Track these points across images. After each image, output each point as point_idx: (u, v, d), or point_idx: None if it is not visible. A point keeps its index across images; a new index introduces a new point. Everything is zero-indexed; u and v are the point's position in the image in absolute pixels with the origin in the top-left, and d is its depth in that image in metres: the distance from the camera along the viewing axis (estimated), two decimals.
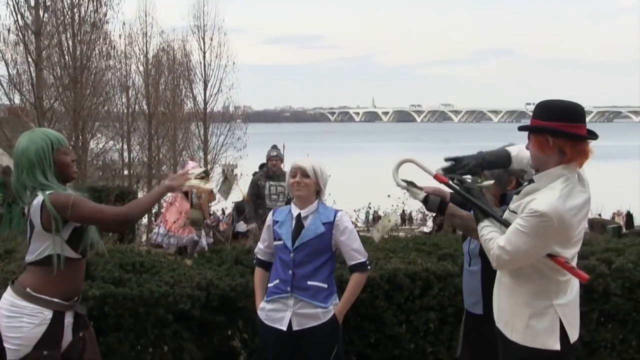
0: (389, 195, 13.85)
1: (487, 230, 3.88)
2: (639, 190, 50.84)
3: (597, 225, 40.91)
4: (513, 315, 3.92)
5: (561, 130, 3.70)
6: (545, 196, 3.68)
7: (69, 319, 4.14)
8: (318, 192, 4.86)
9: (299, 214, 4.83)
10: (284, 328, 4.73)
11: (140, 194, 31.74)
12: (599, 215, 45.53)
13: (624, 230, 33.13)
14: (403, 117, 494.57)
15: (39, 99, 22.43)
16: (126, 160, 35.81)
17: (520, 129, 3.89)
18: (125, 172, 35.13)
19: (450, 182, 4.02)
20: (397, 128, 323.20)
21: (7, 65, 23.17)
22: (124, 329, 5.02)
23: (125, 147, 35.79)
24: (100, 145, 30.15)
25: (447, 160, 4.10)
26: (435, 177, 4.04)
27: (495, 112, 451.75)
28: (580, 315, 5.85)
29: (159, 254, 6.46)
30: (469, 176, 4.15)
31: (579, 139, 3.74)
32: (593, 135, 3.80)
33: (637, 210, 45.14)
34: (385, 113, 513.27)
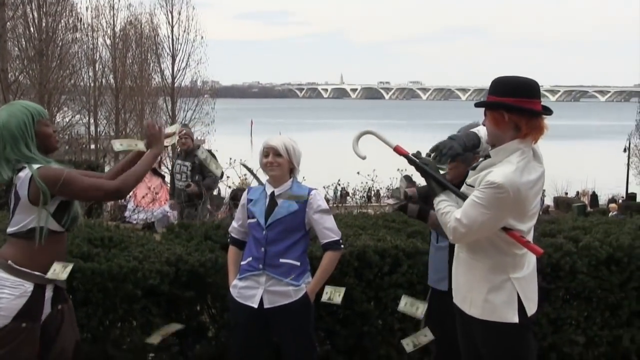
0: (358, 172, 13.92)
1: (444, 205, 3.93)
2: (604, 169, 51.49)
3: (562, 203, 41.53)
4: (471, 290, 3.99)
5: (516, 105, 3.76)
6: (501, 169, 3.74)
7: (49, 292, 4.16)
8: (292, 170, 4.85)
9: (273, 192, 4.82)
10: (255, 305, 4.74)
11: (107, 168, 31.56)
12: (566, 193, 46.18)
13: (588, 208, 33.64)
14: (371, 94, 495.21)
15: (3, 71, 22.13)
16: (93, 134, 35.47)
17: (477, 105, 3.96)
18: (92, 147, 34.78)
19: (410, 156, 4.06)
20: (366, 105, 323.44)
21: None
22: (92, 304, 4.99)
23: (92, 121, 35.45)
24: (67, 119, 29.85)
25: (431, 151, 4.07)
26: (395, 149, 4.11)
27: (464, 90, 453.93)
28: (546, 292, 5.94)
29: (127, 228, 6.41)
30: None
31: (533, 114, 3.80)
32: (547, 111, 3.86)
33: (602, 188, 45.76)
34: (354, 90, 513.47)
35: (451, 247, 4.68)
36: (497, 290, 3.90)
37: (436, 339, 5.04)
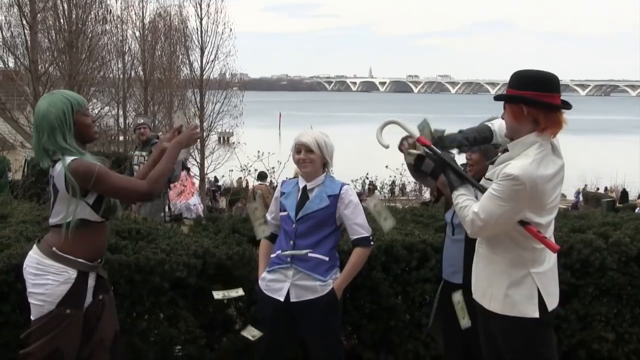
0: (386, 166, 13.88)
1: (462, 199, 3.92)
2: (635, 165, 50.91)
3: (591, 199, 41.14)
4: (491, 285, 3.97)
5: (535, 99, 3.74)
6: (518, 162, 3.73)
7: (91, 281, 4.24)
8: (325, 165, 4.84)
9: (305, 186, 4.81)
10: (282, 299, 4.73)
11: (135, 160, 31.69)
12: (597, 189, 45.75)
13: (617, 204, 33.33)
14: (400, 87, 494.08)
15: (33, 62, 22.22)
16: (122, 126, 35.64)
17: (496, 98, 3.94)
18: (121, 138, 34.96)
19: (433, 147, 4.07)
20: (394, 98, 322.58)
21: (0, 28, 22.96)
22: (119, 296, 5.00)
23: (121, 113, 35.62)
24: (96, 111, 29.97)
25: (434, 143, 4.13)
26: (418, 140, 4.10)
27: (493, 84, 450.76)
28: (575, 289, 5.88)
29: (155, 221, 6.43)
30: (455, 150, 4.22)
31: (552, 108, 3.77)
32: (567, 105, 3.83)
33: (633, 184, 45.29)
34: (382, 83, 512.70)
35: (467, 240, 4.65)
36: (517, 285, 3.88)
37: (445, 332, 5.03)
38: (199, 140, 4.14)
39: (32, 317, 4.19)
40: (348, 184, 4.90)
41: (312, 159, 4.75)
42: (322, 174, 4.81)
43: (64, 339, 4.12)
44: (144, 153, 10.08)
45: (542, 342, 3.94)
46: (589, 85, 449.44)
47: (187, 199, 13.06)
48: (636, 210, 25.38)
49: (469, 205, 3.86)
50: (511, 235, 3.86)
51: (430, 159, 4.15)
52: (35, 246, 4.23)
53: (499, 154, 4.02)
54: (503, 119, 3.96)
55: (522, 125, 3.79)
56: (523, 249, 3.87)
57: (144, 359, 5.08)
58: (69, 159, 4.05)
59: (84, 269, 4.16)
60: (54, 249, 4.12)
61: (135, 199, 4.26)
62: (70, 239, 4.08)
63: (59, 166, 4.07)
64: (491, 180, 3.86)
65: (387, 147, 4.26)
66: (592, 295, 6.14)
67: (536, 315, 3.87)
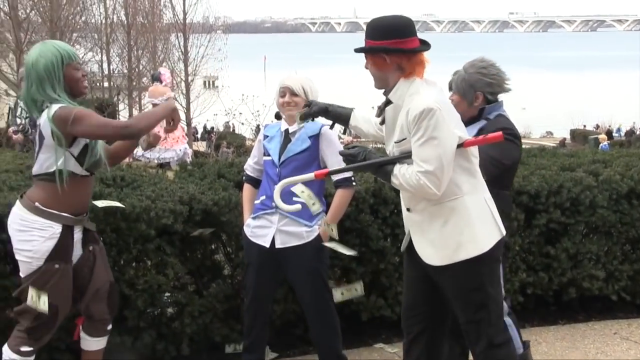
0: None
1: (397, 169, 3.75)
2: (623, 101, 50.97)
3: (578, 136, 41.24)
4: (462, 232, 3.80)
5: (394, 47, 3.74)
6: (415, 100, 3.69)
7: (78, 234, 4.22)
8: None
9: (287, 130, 4.75)
10: (267, 245, 4.71)
11: (121, 106, 31.50)
12: (584, 126, 45.88)
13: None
14: None
15: (13, 8, 21.97)
16: (105, 72, 35.28)
17: (357, 50, 3.90)
18: (105, 84, 34.66)
19: (332, 169, 4.18)
20: None
21: None
22: (105, 244, 4.92)
23: (105, 58, 35.21)
24: (80, 57, 29.65)
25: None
26: (316, 176, 4.05)
27: (478, 22, 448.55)
28: (565, 227, 5.87)
29: (139, 167, 6.34)
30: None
31: (412, 52, 3.76)
32: (426, 46, 3.83)
33: (621, 121, 45.40)
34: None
35: None
36: (481, 217, 3.85)
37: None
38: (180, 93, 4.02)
39: (21, 275, 4.18)
40: (328, 124, 4.83)
41: (297, 102, 4.69)
42: None
43: (55, 294, 4.12)
44: None
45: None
46: (575, 21, 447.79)
47: (173, 145, 12.94)
48: (600, 145, 25.48)
49: (405, 172, 3.70)
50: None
51: (353, 169, 4.06)
52: (18, 202, 4.19)
53: (376, 110, 3.97)
54: (366, 68, 3.88)
55: (388, 73, 3.80)
56: (463, 175, 3.78)
57: (132, 307, 5.04)
58: (55, 106, 3.99)
59: (69, 223, 4.13)
60: (36, 204, 4.07)
61: (117, 137, 4.14)
62: (53, 192, 4.03)
63: (45, 114, 4.01)
64: (403, 140, 3.75)
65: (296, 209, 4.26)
66: (582, 233, 6.12)
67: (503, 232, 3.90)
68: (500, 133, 3.76)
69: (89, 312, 4.39)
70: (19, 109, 9.48)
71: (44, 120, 4.02)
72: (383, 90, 3.88)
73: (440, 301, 4.01)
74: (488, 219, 3.85)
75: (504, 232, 3.93)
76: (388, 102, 3.84)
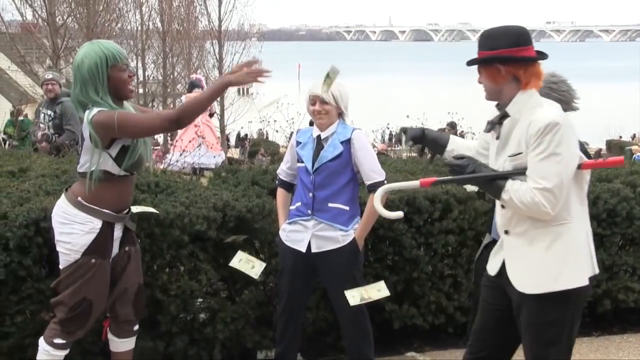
0: (407, 116, 13.75)
1: (510, 184, 3.50)
2: None
3: (614, 146, 40.83)
4: (566, 260, 3.52)
5: (510, 56, 3.53)
6: (539, 112, 3.46)
7: (118, 232, 4.26)
8: (340, 114, 4.76)
9: (319, 136, 4.75)
10: (303, 249, 4.72)
11: None
12: (620, 137, 45.44)
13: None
14: (420, 36, 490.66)
15: (51, 15, 22.19)
16: (141, 78, 35.58)
17: (469, 63, 3.68)
18: (140, 91, 34.95)
19: (440, 178, 3.82)
20: (414, 47, 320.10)
21: None
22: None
23: (140, 65, 35.51)
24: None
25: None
26: (421, 184, 3.72)
27: None
28: (601, 239, 5.79)
29: (174, 174, 6.38)
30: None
31: (530, 61, 3.56)
32: (543, 55, 3.61)
33: None
34: (402, 32, 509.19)
35: None
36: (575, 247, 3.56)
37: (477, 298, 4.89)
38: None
39: (60, 267, 4.23)
40: (360, 129, 4.81)
41: (327, 110, 4.69)
42: (336, 122, 4.74)
43: (90, 288, 4.17)
44: (49, 112, 9.12)
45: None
46: (614, 31, 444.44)
47: (207, 152, 12.98)
48: (634, 156, 24.99)
49: (519, 188, 3.45)
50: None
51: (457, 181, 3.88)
52: (63, 195, 4.25)
53: (487, 125, 3.69)
54: (480, 82, 3.66)
55: (503, 85, 3.56)
56: (575, 200, 3.53)
57: (165, 312, 5.06)
58: (95, 110, 4.01)
59: (109, 220, 4.17)
60: (79, 198, 4.12)
61: (161, 127, 4.08)
62: (94, 190, 4.08)
63: (85, 116, 4.05)
64: (517, 154, 3.51)
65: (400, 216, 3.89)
66: (618, 245, 6.06)
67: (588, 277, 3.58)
68: (622, 158, 3.57)
69: (114, 312, 4.42)
70: (42, 115, 9.29)
71: (85, 123, 4.05)
72: (496, 103, 3.66)
73: (511, 336, 3.73)
74: (587, 253, 3.59)
75: (597, 271, 3.65)
76: (504, 116, 3.59)
